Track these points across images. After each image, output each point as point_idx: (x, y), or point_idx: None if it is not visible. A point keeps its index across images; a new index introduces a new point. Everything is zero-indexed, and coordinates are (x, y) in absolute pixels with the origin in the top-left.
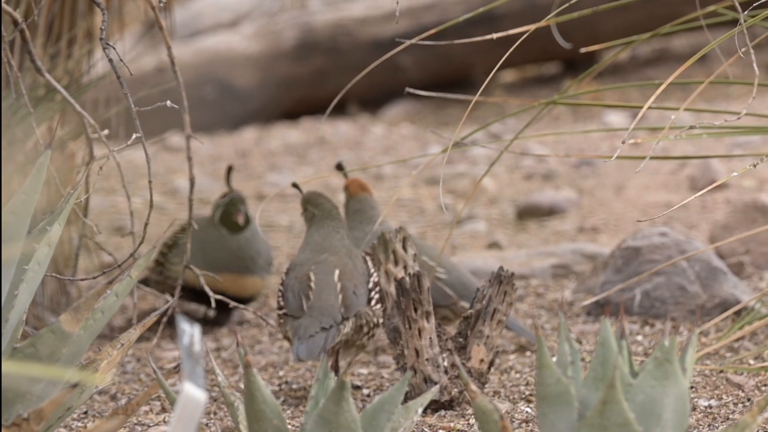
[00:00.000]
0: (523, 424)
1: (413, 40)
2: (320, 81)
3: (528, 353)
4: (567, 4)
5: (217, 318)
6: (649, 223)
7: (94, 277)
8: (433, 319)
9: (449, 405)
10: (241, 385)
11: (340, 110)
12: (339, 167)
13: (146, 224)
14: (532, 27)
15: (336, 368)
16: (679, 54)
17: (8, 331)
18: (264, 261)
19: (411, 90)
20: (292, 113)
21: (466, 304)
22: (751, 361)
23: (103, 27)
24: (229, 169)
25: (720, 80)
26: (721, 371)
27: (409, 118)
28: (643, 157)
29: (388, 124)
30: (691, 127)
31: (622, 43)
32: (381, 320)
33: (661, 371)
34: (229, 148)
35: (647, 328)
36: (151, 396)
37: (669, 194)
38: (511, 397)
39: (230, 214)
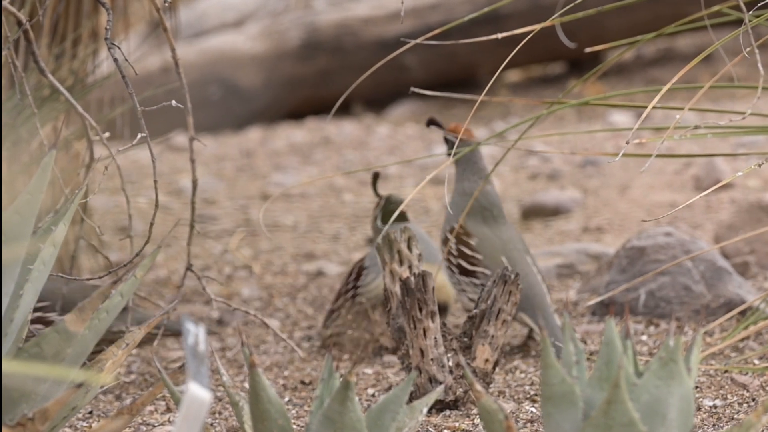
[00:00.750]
0: (528, 424)
1: (418, 40)
2: (325, 81)
3: (533, 353)
4: (572, 4)
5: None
6: (654, 223)
7: (99, 277)
8: (438, 319)
9: (454, 405)
10: (246, 385)
11: (345, 110)
12: (433, 123)
13: (152, 224)
14: (537, 27)
15: None
16: (684, 54)
17: (13, 331)
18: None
19: (416, 90)
20: (296, 113)
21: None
22: (756, 361)
23: (108, 27)
24: (376, 177)
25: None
26: (726, 371)
27: (414, 118)
28: (648, 156)
29: (393, 124)
30: (696, 127)
31: (626, 43)
32: None
33: (665, 371)
34: (233, 147)
35: (652, 328)
36: (155, 396)
37: (674, 194)
38: (515, 397)
39: (391, 209)
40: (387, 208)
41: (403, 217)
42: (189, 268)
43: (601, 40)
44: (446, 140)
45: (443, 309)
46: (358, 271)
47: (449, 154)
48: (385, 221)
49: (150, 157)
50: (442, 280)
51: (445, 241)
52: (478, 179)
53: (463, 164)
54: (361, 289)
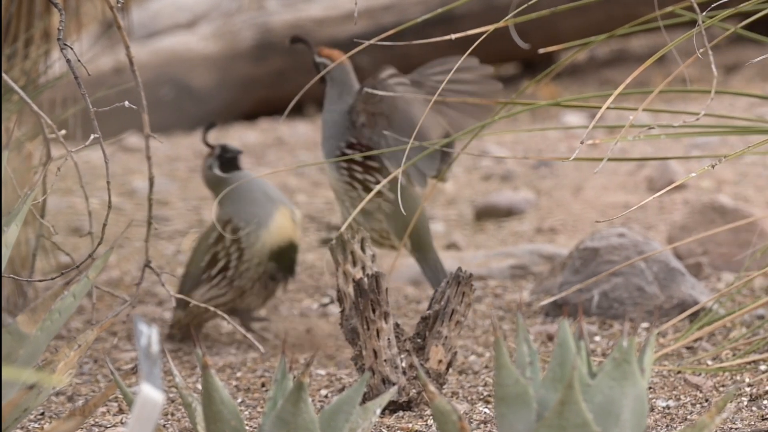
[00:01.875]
0: (482, 425)
1: (371, 41)
2: (278, 82)
3: (487, 354)
4: (525, 5)
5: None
6: (608, 224)
7: (52, 278)
8: (391, 320)
9: (407, 406)
10: (199, 386)
11: (299, 111)
12: (298, 40)
13: (104, 225)
14: (490, 28)
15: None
16: (637, 55)
17: None
18: None
19: (369, 90)
20: (250, 114)
21: None
22: (709, 362)
23: (60, 27)
24: (209, 127)
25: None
26: (679, 372)
27: None
28: (602, 159)
29: None
30: (650, 128)
31: (580, 44)
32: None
33: (619, 372)
34: (186, 148)
35: (605, 329)
36: (108, 397)
37: (627, 195)
38: (469, 398)
39: (228, 157)
40: (225, 156)
41: (238, 166)
42: (147, 264)
43: (555, 41)
44: (315, 64)
45: (293, 248)
46: (233, 233)
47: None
48: (224, 171)
49: (103, 158)
50: (284, 222)
51: (342, 154)
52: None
53: (340, 86)
54: (248, 250)
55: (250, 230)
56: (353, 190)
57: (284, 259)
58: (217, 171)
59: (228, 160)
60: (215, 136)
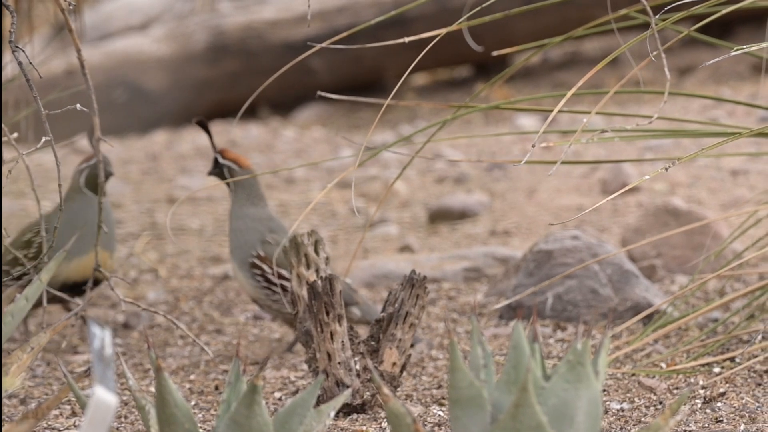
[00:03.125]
0: (436, 428)
1: (324, 44)
2: (232, 84)
3: (441, 357)
4: (479, 8)
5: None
6: (561, 227)
7: (4, 281)
8: (345, 323)
9: (362, 408)
10: (152, 389)
11: (252, 114)
12: (200, 124)
13: (55, 228)
14: (443, 30)
15: None
16: (591, 57)
17: None
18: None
19: (322, 93)
20: (204, 116)
21: None
22: (663, 365)
23: (12, 30)
24: (92, 128)
25: (631, 89)
26: (634, 374)
27: (320, 122)
28: (555, 162)
29: (299, 128)
30: (603, 131)
31: (534, 47)
32: None
33: (573, 374)
34: (139, 151)
35: (559, 332)
36: (61, 400)
37: (581, 197)
38: (423, 401)
39: (96, 175)
40: (92, 173)
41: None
42: (97, 268)
43: (509, 43)
44: (217, 164)
45: (87, 281)
46: (37, 250)
47: (223, 177)
48: (89, 184)
49: (54, 161)
50: (86, 264)
51: (253, 265)
52: (265, 205)
53: (247, 189)
54: (43, 271)
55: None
56: (274, 294)
57: (78, 289)
58: (83, 183)
59: (94, 177)
60: (168, 139)
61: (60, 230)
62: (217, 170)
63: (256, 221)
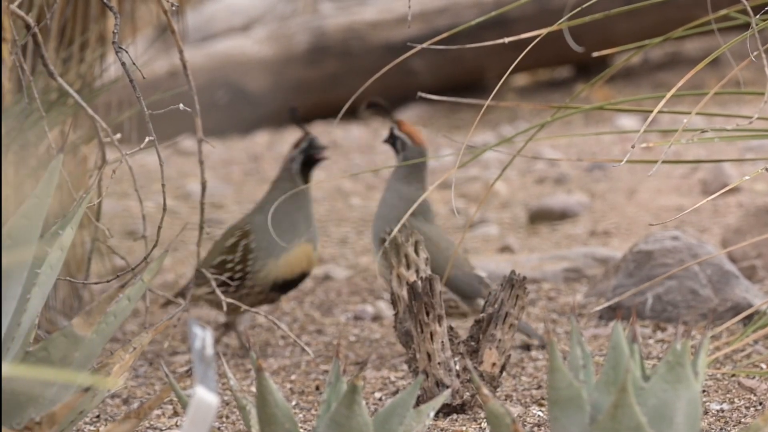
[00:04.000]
0: (535, 428)
1: (425, 44)
2: (332, 85)
3: (540, 357)
4: (579, 8)
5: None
6: (661, 227)
7: (107, 281)
8: (445, 323)
9: (461, 409)
10: (253, 389)
11: (352, 114)
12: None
13: (159, 228)
14: (544, 31)
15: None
16: (691, 58)
17: (21, 335)
18: None
19: (423, 94)
20: (304, 117)
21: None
22: (763, 365)
23: (115, 30)
24: (294, 110)
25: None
26: (733, 375)
27: (421, 122)
28: (655, 162)
29: None
30: (703, 131)
31: (634, 47)
32: None
33: (673, 375)
34: (241, 152)
35: (659, 332)
36: (163, 400)
37: (681, 198)
38: (522, 401)
39: (313, 157)
40: (309, 152)
41: (315, 166)
42: (199, 268)
43: (609, 44)
44: (392, 135)
45: (301, 278)
46: (243, 253)
47: (395, 149)
48: (303, 169)
49: (158, 161)
50: (296, 258)
51: (383, 241)
52: (420, 188)
53: (410, 166)
54: (251, 275)
55: (258, 256)
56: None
57: (288, 288)
58: (296, 169)
59: (311, 157)
60: (270, 140)
61: (259, 226)
62: (391, 140)
63: (403, 200)
